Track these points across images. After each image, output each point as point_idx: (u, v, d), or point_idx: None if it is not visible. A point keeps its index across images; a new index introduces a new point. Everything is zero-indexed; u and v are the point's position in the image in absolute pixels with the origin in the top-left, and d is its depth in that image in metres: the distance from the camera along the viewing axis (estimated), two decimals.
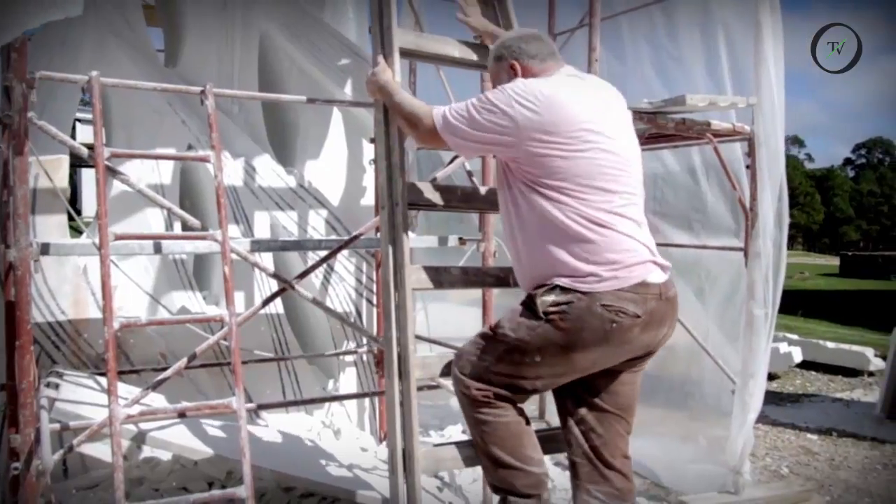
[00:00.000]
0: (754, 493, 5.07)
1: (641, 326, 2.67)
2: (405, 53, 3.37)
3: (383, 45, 3.30)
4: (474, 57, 3.57)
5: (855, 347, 10.21)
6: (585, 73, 3.09)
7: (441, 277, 3.17)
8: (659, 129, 4.89)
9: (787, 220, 4.94)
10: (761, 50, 4.84)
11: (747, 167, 5.19)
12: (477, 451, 2.90)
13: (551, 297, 2.66)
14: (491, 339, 2.80)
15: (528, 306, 2.73)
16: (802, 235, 77.61)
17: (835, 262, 38.92)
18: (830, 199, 77.28)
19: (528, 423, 2.91)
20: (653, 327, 2.73)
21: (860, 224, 74.30)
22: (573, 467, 2.92)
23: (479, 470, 4.62)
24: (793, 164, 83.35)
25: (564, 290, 2.65)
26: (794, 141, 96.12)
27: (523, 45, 2.97)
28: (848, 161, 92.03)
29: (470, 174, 4.61)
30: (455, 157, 4.46)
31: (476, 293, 5.51)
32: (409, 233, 3.18)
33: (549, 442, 3.13)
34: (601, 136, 2.72)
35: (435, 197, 3.25)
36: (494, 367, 2.77)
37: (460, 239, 4.58)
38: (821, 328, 14.18)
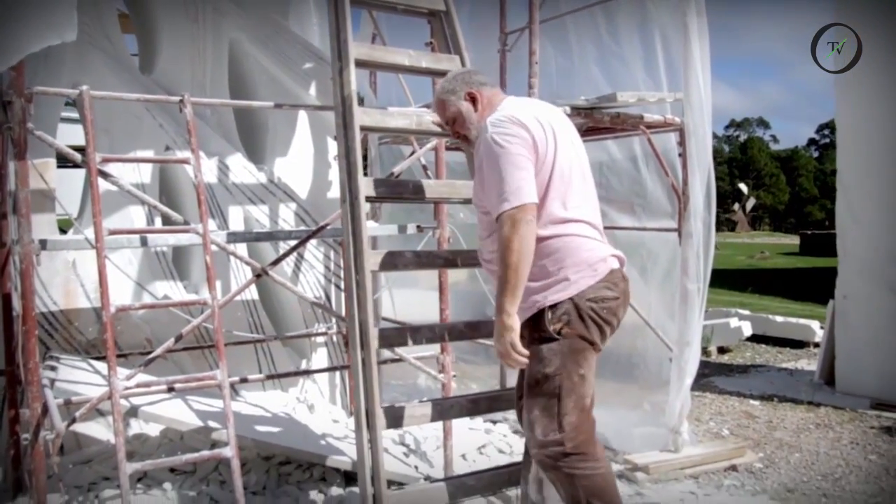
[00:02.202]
0: (692, 451, 5.58)
1: (622, 304, 3.09)
2: (360, 63, 3.82)
3: (340, 56, 3.73)
4: (422, 64, 4.02)
5: (802, 321, 10.72)
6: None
7: (396, 260, 3.63)
8: (595, 122, 5.35)
9: (714, 202, 5.44)
10: (689, 49, 5.32)
11: (679, 155, 5.68)
12: None
13: (550, 318, 2.95)
14: (540, 389, 3.00)
15: (543, 338, 2.97)
16: (769, 216, 78.82)
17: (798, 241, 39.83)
18: (795, 180, 78.48)
19: None
20: (626, 303, 3.15)
21: (825, 203, 75.28)
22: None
23: (441, 437, 5.11)
24: (758, 146, 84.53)
25: (552, 306, 2.95)
26: (759, 123, 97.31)
27: (473, 76, 3.31)
28: (812, 141, 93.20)
29: (425, 168, 5.05)
30: (412, 153, 4.90)
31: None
32: (373, 222, 3.62)
33: (497, 401, 3.61)
34: (559, 151, 3.02)
35: (388, 191, 3.70)
36: (564, 406, 2.97)
37: (418, 227, 5.01)
38: (774, 304, 14.78)
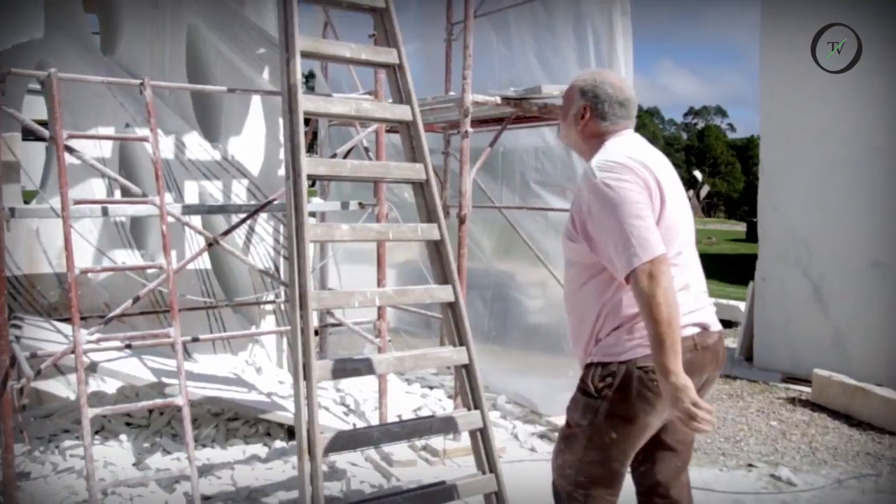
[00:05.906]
0: None
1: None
2: (305, 55, 4.17)
3: (287, 47, 4.11)
4: (363, 56, 4.40)
5: (732, 302, 11.35)
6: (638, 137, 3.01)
7: (333, 232, 4.04)
8: (524, 112, 5.80)
9: None
10: (613, 45, 5.83)
11: None
12: None
13: (597, 375, 2.80)
14: (570, 435, 2.91)
15: (584, 391, 2.85)
16: (724, 203, 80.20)
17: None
18: (750, 168, 79.77)
19: None
20: (692, 376, 2.67)
21: None
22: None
23: (376, 398, 5.56)
24: (715, 134, 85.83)
25: (604, 364, 2.79)
26: (717, 111, 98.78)
27: (612, 107, 2.92)
28: None
29: (367, 149, 5.47)
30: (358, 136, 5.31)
31: (390, 257, 6.33)
32: (319, 199, 4.01)
33: (422, 359, 4.07)
34: (665, 203, 2.77)
35: (328, 170, 4.11)
36: (586, 458, 2.86)
37: (360, 203, 5.44)
38: (710, 287, 15.39)
